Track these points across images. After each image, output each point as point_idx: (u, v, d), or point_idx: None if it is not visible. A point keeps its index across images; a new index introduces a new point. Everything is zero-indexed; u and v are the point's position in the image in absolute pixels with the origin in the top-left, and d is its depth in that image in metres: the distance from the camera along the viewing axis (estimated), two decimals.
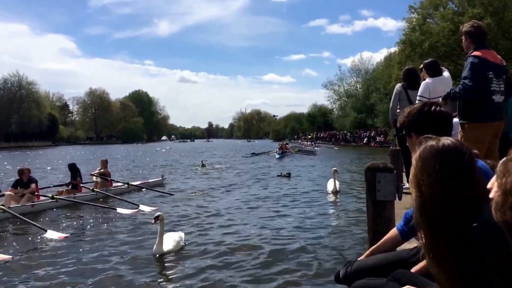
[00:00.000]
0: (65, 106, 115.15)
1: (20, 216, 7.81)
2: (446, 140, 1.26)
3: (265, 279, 4.67)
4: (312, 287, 4.46)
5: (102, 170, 12.06)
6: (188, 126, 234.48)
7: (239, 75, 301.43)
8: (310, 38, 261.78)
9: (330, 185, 10.68)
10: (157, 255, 5.52)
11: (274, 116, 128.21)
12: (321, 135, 68.79)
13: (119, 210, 8.96)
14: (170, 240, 5.76)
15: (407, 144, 2.13)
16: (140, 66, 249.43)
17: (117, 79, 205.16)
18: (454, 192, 1.18)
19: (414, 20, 33.18)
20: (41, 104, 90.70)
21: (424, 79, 5.23)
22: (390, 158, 6.30)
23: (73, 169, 10.92)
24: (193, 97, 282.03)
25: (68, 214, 9.19)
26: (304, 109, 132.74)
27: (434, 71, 5.17)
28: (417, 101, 4.82)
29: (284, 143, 39.18)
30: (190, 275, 4.84)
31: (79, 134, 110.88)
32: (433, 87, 4.99)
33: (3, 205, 8.21)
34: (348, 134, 58.13)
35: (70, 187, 10.79)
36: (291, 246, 5.99)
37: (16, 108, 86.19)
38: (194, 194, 11.45)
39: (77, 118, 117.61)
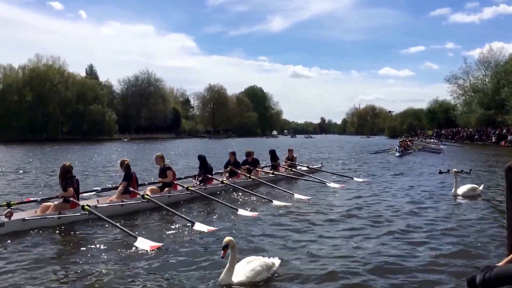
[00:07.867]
0: (186, 101, 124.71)
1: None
2: None
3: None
4: None
5: (291, 156, 14.76)
6: (301, 121, 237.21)
7: (353, 69, 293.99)
8: (431, 29, 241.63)
9: (455, 187, 10.01)
10: (223, 286, 4.25)
11: (389, 111, 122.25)
12: (443, 132, 63.92)
13: (332, 184, 11.60)
14: (246, 268, 4.37)
15: None
16: (255, 62, 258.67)
17: (233, 75, 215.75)
18: None
19: None
20: (166, 100, 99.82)
21: None
22: None
23: (274, 154, 13.95)
24: (306, 92, 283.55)
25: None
26: (423, 104, 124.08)
27: None
28: None
29: (405, 139, 36.92)
30: None
31: (199, 128, 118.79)
32: None
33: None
34: (474, 131, 52.98)
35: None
36: (417, 251, 5.51)
37: (145, 103, 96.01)
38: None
39: (197, 113, 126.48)
